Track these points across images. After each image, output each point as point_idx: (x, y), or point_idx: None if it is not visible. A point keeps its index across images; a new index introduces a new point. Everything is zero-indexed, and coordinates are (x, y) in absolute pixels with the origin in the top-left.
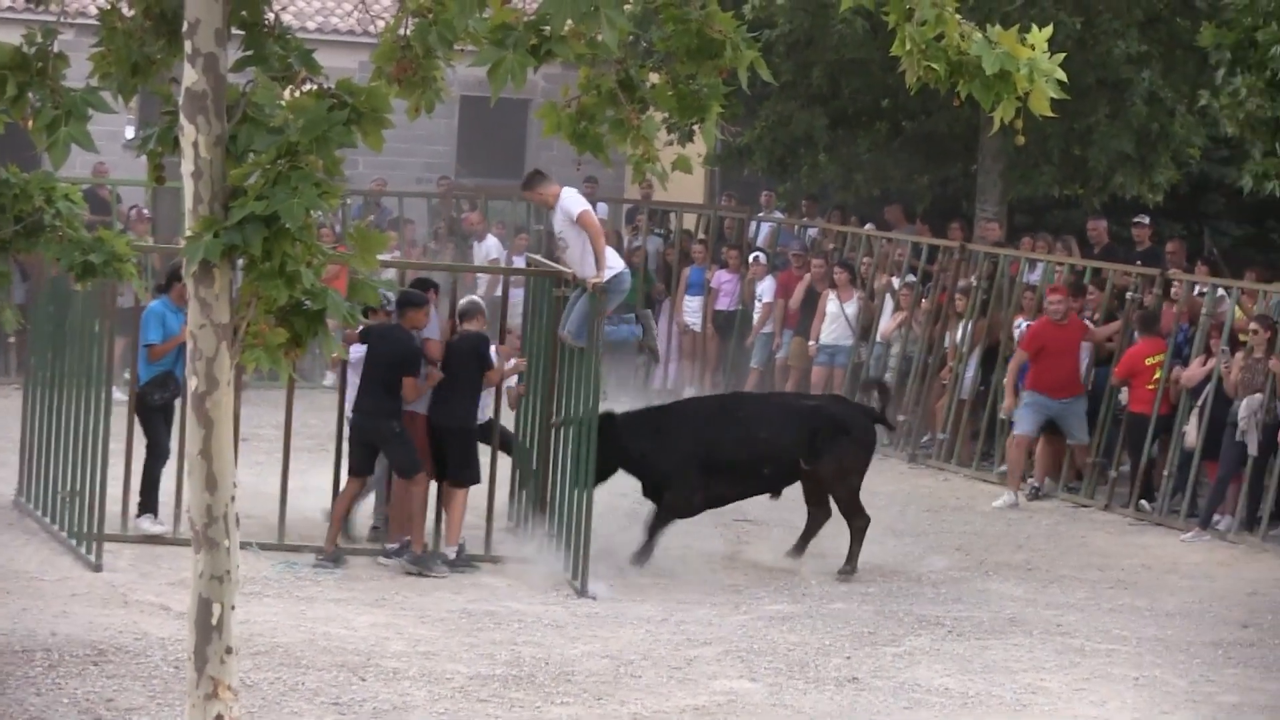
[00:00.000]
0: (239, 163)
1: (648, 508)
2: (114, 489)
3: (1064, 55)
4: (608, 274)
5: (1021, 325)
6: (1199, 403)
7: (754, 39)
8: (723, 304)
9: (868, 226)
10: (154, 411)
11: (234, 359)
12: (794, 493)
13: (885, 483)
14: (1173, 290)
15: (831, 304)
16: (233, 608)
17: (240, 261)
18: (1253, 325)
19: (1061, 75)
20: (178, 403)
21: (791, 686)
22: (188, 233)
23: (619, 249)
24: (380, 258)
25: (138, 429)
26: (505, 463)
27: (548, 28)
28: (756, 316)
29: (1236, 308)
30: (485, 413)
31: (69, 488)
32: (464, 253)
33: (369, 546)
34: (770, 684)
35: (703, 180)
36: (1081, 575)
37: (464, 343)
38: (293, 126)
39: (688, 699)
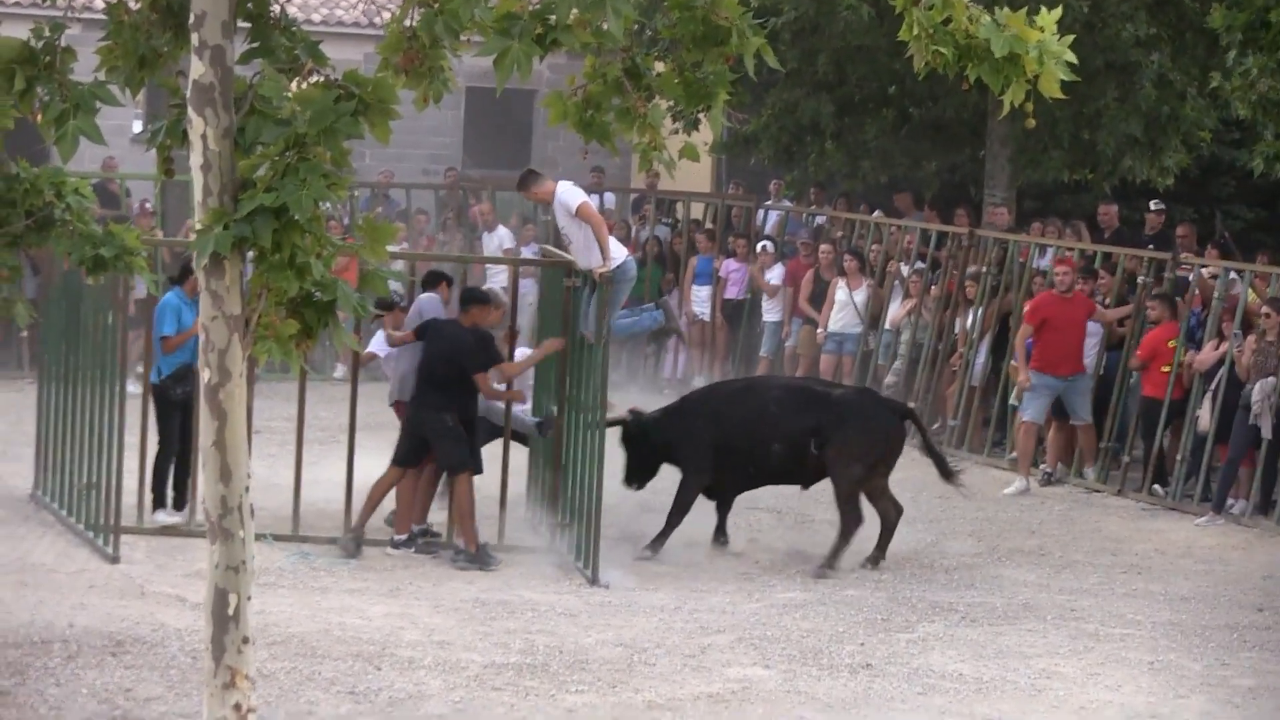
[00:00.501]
0: (247, 155)
1: (661, 498)
2: (130, 482)
3: (1073, 37)
4: (612, 263)
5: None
6: (1212, 387)
7: (760, 26)
8: (731, 293)
9: (876, 214)
10: (172, 406)
11: (246, 351)
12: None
13: (896, 470)
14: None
15: (840, 292)
16: (249, 598)
17: (250, 254)
18: (1265, 309)
19: (1071, 57)
20: None
21: (805, 673)
22: (197, 225)
23: (627, 239)
24: (389, 249)
25: (152, 422)
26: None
27: (553, 17)
28: (766, 301)
29: (1249, 291)
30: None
31: (85, 481)
32: (472, 244)
33: (380, 537)
34: (784, 671)
35: (710, 169)
36: (1095, 560)
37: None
38: (300, 118)
39: (702, 687)
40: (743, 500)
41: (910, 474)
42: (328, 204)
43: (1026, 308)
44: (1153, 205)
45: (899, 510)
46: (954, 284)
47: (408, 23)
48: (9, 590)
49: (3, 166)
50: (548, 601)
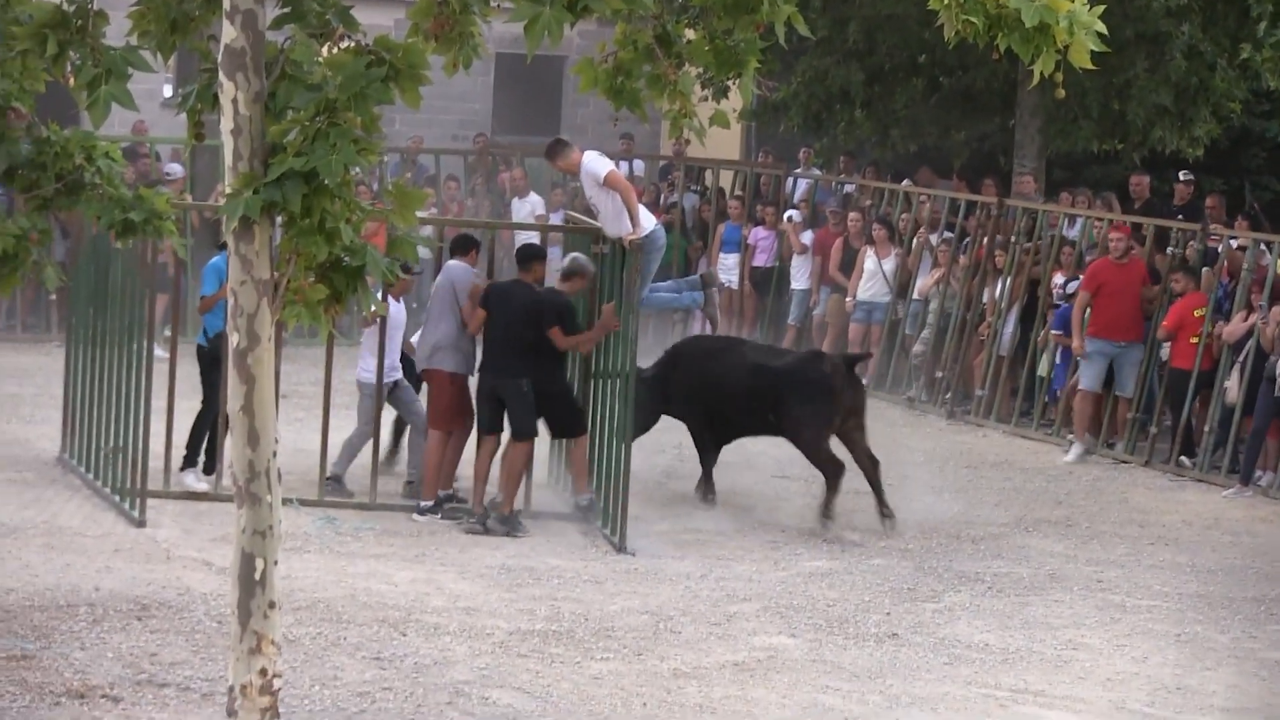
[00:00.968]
0: (278, 120)
1: (687, 465)
2: (156, 445)
3: (1103, 7)
4: (641, 231)
5: (1060, 281)
6: (1240, 358)
7: None
8: (760, 260)
9: (905, 182)
10: (218, 366)
11: (274, 315)
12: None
13: (924, 439)
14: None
15: (869, 260)
16: (275, 563)
17: (280, 218)
18: None
19: (1101, 28)
20: None
21: (831, 642)
22: (227, 189)
23: (656, 204)
24: (418, 214)
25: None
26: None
27: None
28: (794, 269)
29: (1278, 262)
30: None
31: (111, 444)
32: (500, 209)
33: (405, 502)
34: (810, 640)
35: (739, 137)
36: (1122, 531)
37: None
38: (331, 83)
39: (727, 655)
40: (770, 468)
41: (937, 444)
42: (357, 169)
43: (1082, 276)
44: (1182, 176)
45: (874, 462)
46: (983, 253)
47: None
48: (36, 553)
49: (33, 130)
50: (574, 568)
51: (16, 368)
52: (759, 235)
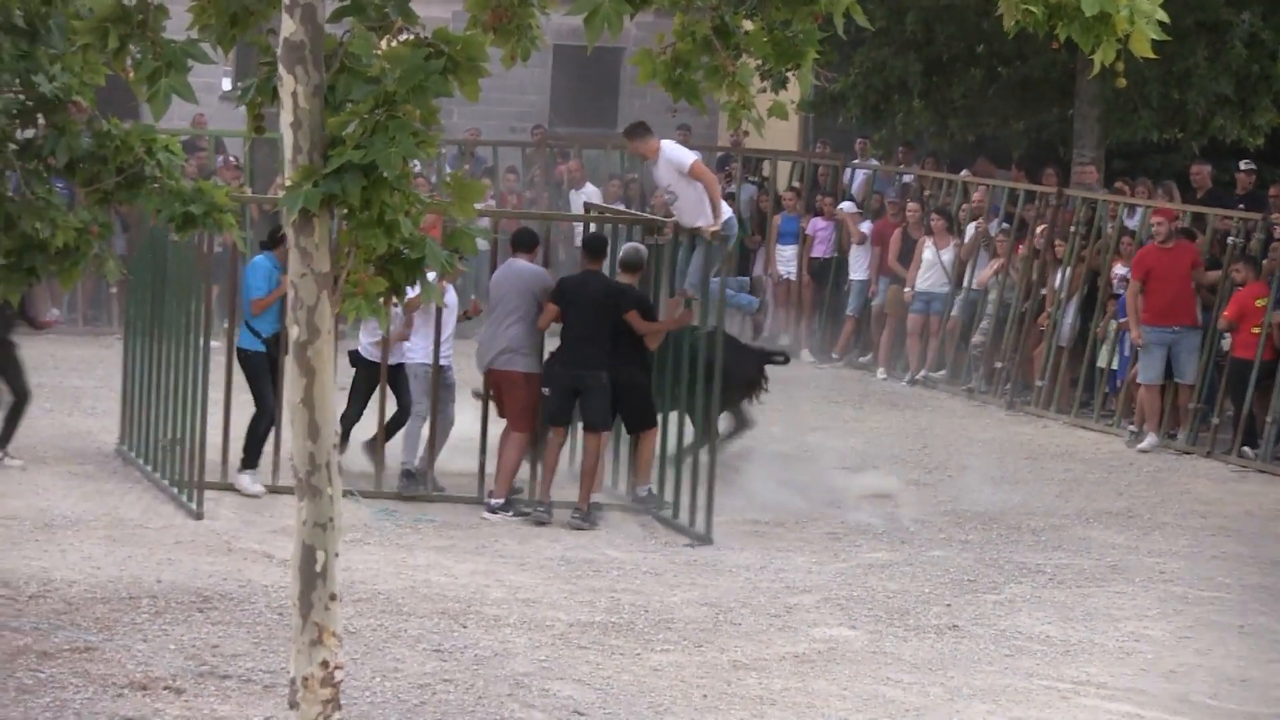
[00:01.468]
0: (337, 113)
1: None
2: (214, 437)
3: None
4: (720, 222)
5: (1120, 271)
6: None
7: None
8: (818, 251)
9: (963, 173)
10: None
11: (334, 308)
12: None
13: (983, 430)
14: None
15: (928, 251)
16: (336, 555)
17: (339, 211)
18: None
19: (1163, 16)
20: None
21: (891, 634)
22: (287, 182)
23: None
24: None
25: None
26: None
27: None
28: (853, 260)
29: None
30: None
31: (170, 436)
32: (557, 201)
33: (463, 495)
34: (870, 631)
35: (796, 128)
36: (1183, 523)
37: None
38: (390, 76)
39: (788, 646)
40: (830, 460)
41: (997, 435)
42: (416, 162)
43: (1131, 263)
44: (1243, 165)
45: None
46: (1042, 243)
47: None
48: (97, 545)
49: (94, 124)
50: (633, 560)
51: (77, 360)
52: (817, 226)
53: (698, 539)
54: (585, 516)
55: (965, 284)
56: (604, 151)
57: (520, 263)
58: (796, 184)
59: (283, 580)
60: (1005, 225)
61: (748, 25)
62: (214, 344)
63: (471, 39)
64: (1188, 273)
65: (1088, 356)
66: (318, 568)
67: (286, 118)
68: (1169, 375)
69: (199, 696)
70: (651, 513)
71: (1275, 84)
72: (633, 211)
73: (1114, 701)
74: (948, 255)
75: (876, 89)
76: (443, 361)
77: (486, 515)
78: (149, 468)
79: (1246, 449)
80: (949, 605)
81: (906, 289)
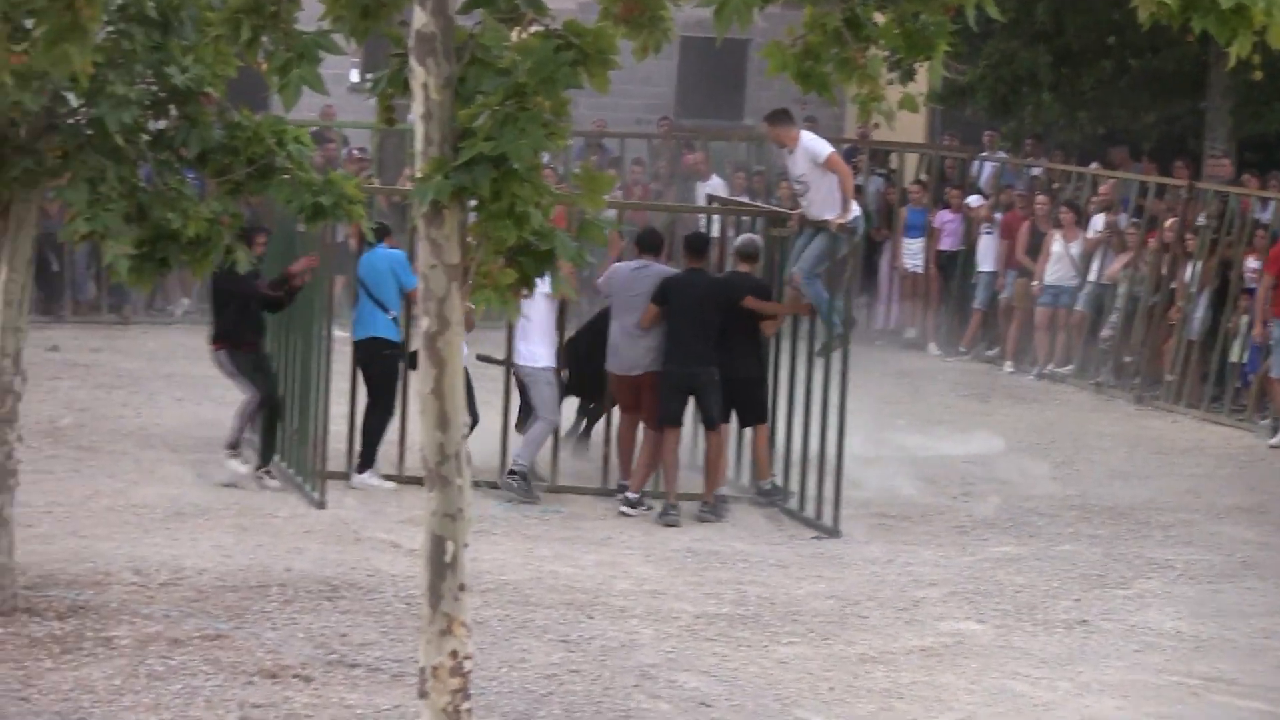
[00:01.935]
0: (467, 104)
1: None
2: (338, 427)
3: None
4: (848, 216)
5: (1253, 265)
6: None
7: None
8: (946, 244)
9: (1093, 165)
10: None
11: (464, 299)
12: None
13: (1112, 424)
14: None
15: (1056, 244)
16: (465, 545)
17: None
18: None
19: None
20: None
21: (1019, 629)
22: (417, 174)
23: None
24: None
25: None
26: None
27: None
28: (980, 253)
29: None
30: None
31: (295, 425)
32: (685, 193)
33: (587, 485)
34: (998, 626)
35: (923, 120)
36: None
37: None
38: (520, 68)
39: (915, 640)
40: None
41: (1125, 429)
42: (546, 153)
43: (1267, 258)
44: None
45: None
46: (1172, 236)
47: None
48: (228, 534)
49: (225, 115)
50: (759, 552)
51: (207, 350)
52: (945, 219)
53: (824, 531)
54: (713, 509)
55: (1091, 277)
56: (730, 143)
57: (656, 265)
58: (923, 177)
59: (410, 570)
60: (1135, 219)
61: (878, 17)
62: (337, 334)
63: (602, 31)
64: None
65: (1218, 350)
66: (447, 558)
67: (418, 109)
68: None
69: (327, 685)
70: (778, 505)
71: None
72: (758, 203)
73: (1245, 699)
74: (1076, 248)
75: (1005, 81)
76: (548, 364)
77: (625, 509)
78: (276, 457)
79: None
80: (1078, 600)
81: (1034, 282)
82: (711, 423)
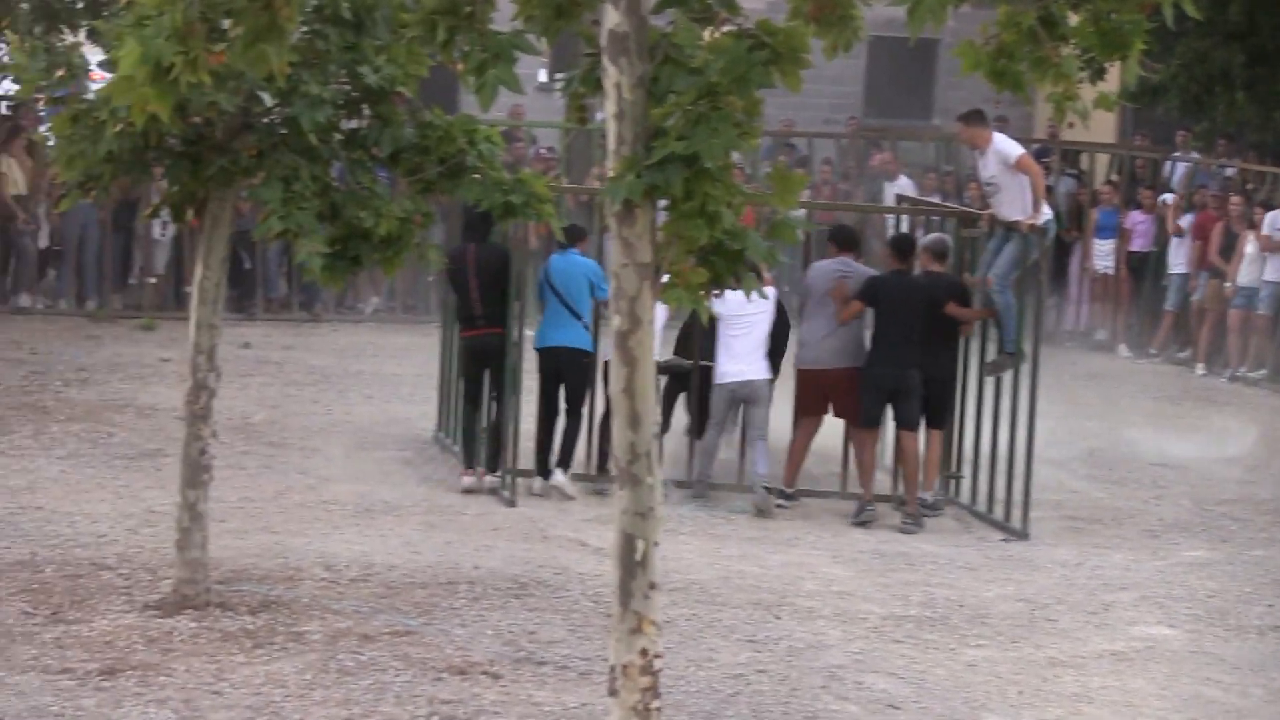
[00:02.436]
0: (659, 104)
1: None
2: (527, 425)
3: None
4: (1040, 218)
5: None
6: None
7: None
8: (1137, 245)
9: None
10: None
11: (655, 298)
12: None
13: (1259, 423)
14: None
15: (1250, 245)
16: (656, 544)
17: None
18: None
19: None
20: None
21: (1211, 634)
22: (610, 173)
23: None
24: None
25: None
26: None
27: None
28: (1173, 254)
29: None
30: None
31: (485, 424)
32: (873, 193)
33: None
34: (1189, 631)
35: (1114, 120)
36: None
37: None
38: (713, 67)
39: (1105, 644)
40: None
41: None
42: (737, 153)
43: None
44: None
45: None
46: None
47: None
48: (417, 531)
49: (417, 114)
50: (947, 554)
51: (396, 347)
52: (1136, 219)
53: (1013, 534)
54: (915, 520)
55: (1269, 276)
56: (919, 144)
57: (858, 265)
58: (1114, 177)
59: (598, 568)
60: None
61: (1073, 16)
62: (528, 333)
63: (794, 30)
64: None
65: None
66: (637, 556)
67: (610, 109)
68: None
69: (516, 682)
70: (962, 506)
71: None
72: (947, 204)
73: None
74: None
75: (1198, 80)
76: (760, 375)
77: (781, 503)
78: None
79: None
80: (1270, 605)
81: (1228, 284)
82: (910, 425)
